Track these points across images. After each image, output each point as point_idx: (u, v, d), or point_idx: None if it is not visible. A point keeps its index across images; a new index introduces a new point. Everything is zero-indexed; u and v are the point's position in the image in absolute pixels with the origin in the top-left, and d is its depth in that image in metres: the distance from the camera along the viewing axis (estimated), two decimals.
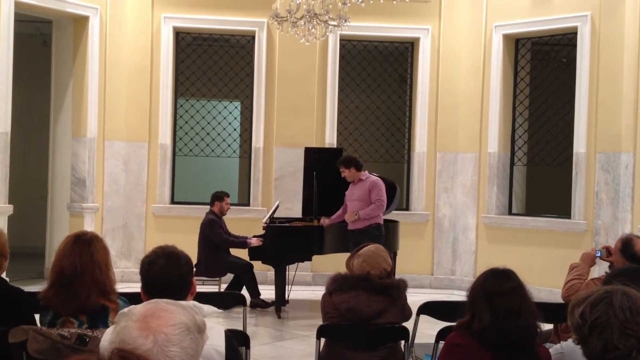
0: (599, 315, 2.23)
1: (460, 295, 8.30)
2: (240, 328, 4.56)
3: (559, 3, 8.87)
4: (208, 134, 10.12)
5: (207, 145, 10.10)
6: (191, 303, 2.63)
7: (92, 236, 3.34)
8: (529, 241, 9.02)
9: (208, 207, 8.10)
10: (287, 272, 7.70)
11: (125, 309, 1.75)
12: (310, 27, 7.30)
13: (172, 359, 1.62)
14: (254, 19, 9.53)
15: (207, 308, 2.64)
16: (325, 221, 7.69)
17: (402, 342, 3.99)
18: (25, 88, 10.69)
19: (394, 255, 7.83)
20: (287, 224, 8.02)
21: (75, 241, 3.27)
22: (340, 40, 9.66)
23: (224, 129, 10.23)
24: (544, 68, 9.88)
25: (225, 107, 10.33)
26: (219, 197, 8.03)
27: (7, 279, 3.70)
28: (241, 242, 7.88)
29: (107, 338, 2.12)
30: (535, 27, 9.11)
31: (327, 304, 3.98)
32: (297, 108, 9.57)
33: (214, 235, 7.82)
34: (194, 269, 7.91)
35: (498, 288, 2.90)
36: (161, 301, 1.76)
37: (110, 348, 1.61)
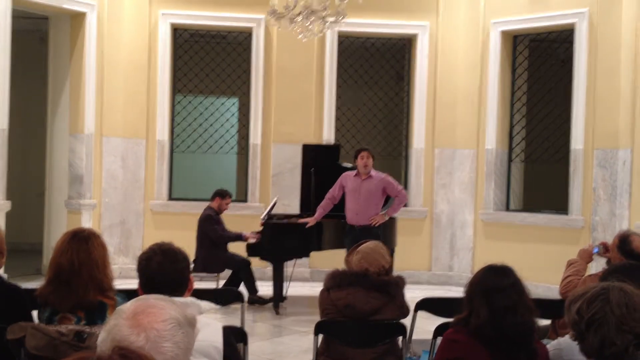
0: (596, 312, 2.23)
1: (457, 292, 8.30)
2: (238, 324, 4.56)
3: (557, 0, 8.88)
4: (206, 130, 10.11)
5: (205, 141, 10.09)
6: (189, 299, 2.64)
7: (90, 233, 3.34)
8: (527, 237, 9.03)
9: (205, 203, 8.11)
10: (285, 269, 7.70)
11: (121, 306, 1.75)
12: (307, 24, 7.28)
13: (164, 355, 1.62)
14: (252, 15, 9.52)
15: (205, 304, 2.65)
16: (310, 221, 7.57)
17: (400, 338, 4.00)
18: (23, 85, 10.65)
19: (391, 252, 7.83)
20: (285, 221, 8.02)
21: (72, 238, 3.27)
22: (338, 36, 9.65)
23: (222, 125, 10.23)
24: (541, 65, 9.88)
25: (222, 104, 10.33)
26: (221, 194, 8.02)
27: (5, 276, 3.70)
28: (236, 236, 7.89)
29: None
30: (533, 23, 9.12)
31: (325, 300, 3.98)
32: (294, 104, 9.56)
33: (209, 230, 7.82)
34: (192, 265, 7.93)
35: (496, 284, 2.90)
36: (150, 297, 1.76)
37: (103, 346, 1.60)
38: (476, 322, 2.88)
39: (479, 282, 2.96)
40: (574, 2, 8.68)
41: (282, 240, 7.63)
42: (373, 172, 7.43)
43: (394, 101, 10.56)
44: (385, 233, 7.58)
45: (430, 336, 3.90)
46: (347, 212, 7.48)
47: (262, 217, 7.92)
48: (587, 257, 4.59)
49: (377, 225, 7.35)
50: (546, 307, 3.89)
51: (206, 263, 7.77)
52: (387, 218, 7.43)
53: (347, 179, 7.52)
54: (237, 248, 8.04)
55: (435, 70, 9.76)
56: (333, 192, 7.55)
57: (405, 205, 9.65)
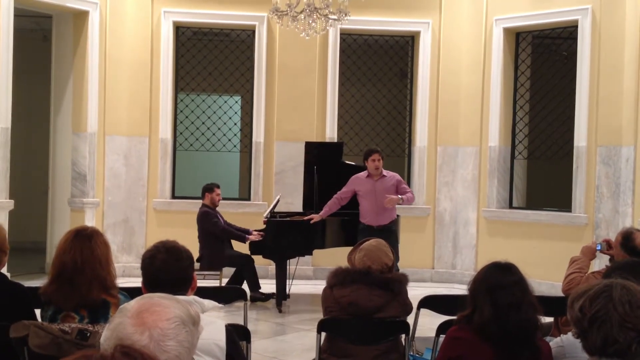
0: (599, 309, 2.23)
1: (460, 289, 8.30)
2: (241, 322, 4.57)
3: None
4: (208, 128, 10.12)
5: (208, 139, 10.09)
6: (192, 298, 2.64)
7: (93, 231, 3.35)
8: (530, 235, 9.03)
9: None
10: (288, 266, 7.70)
11: (125, 304, 1.75)
12: (310, 21, 7.29)
13: (168, 353, 1.62)
14: (254, 13, 9.52)
15: (208, 303, 2.65)
16: (314, 218, 7.59)
17: (403, 336, 3.99)
18: (26, 83, 10.68)
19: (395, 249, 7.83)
20: (288, 218, 8.02)
21: (75, 236, 3.27)
22: (340, 34, 9.64)
23: (225, 123, 10.23)
24: (544, 61, 9.87)
25: (225, 102, 10.33)
26: (208, 188, 8.06)
27: (8, 275, 3.71)
28: (239, 236, 7.89)
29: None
30: (536, 20, 9.10)
31: (328, 298, 3.98)
32: (297, 102, 9.56)
33: (211, 226, 7.83)
34: (197, 264, 7.93)
35: (499, 282, 2.90)
36: (155, 295, 1.76)
37: (107, 345, 1.61)
38: (479, 319, 2.88)
39: (482, 279, 2.96)
40: None
41: (285, 238, 7.63)
42: (384, 171, 7.47)
43: (396, 99, 10.55)
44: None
45: (433, 334, 3.90)
46: (366, 215, 7.41)
47: (265, 215, 7.92)
48: (590, 254, 4.58)
49: (390, 205, 7.28)
50: (549, 304, 3.89)
51: (211, 259, 7.79)
52: (400, 202, 7.32)
53: (359, 182, 7.48)
54: (240, 246, 8.04)
55: (438, 67, 9.75)
56: (342, 194, 7.53)
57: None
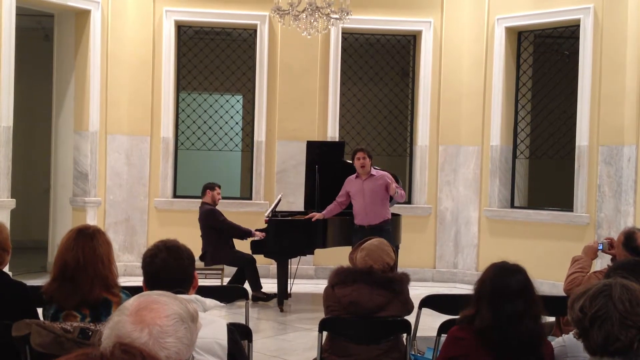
0: (599, 308, 2.23)
1: (462, 289, 8.31)
2: (243, 321, 4.57)
3: None
4: (210, 127, 10.12)
5: (209, 139, 10.10)
6: (193, 296, 2.64)
7: (95, 230, 3.35)
8: (531, 234, 9.02)
9: None
10: (289, 266, 7.70)
11: (124, 303, 1.76)
12: (312, 20, 7.29)
13: (168, 350, 1.63)
14: (256, 12, 9.52)
15: (210, 302, 2.65)
16: (316, 216, 7.59)
17: (404, 335, 3.99)
18: (27, 82, 10.69)
19: (396, 249, 7.83)
20: (290, 218, 8.02)
21: (77, 235, 3.27)
22: (342, 33, 9.64)
23: (226, 122, 10.23)
24: (546, 61, 9.86)
25: (227, 101, 10.33)
26: (210, 186, 8.06)
27: (10, 273, 3.71)
28: (246, 231, 7.89)
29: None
30: (538, 19, 9.09)
31: (329, 297, 3.98)
32: (299, 101, 9.56)
33: (218, 223, 7.84)
34: (201, 260, 7.92)
35: (504, 288, 2.85)
36: (153, 293, 1.77)
37: (107, 343, 1.61)
38: (480, 324, 2.86)
39: (488, 283, 2.90)
40: None
41: (286, 237, 7.63)
42: (374, 171, 7.42)
43: (398, 98, 10.55)
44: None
45: (434, 333, 3.90)
46: (357, 215, 7.42)
47: (266, 214, 7.92)
48: (592, 253, 4.58)
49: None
50: (551, 304, 3.88)
51: (215, 254, 7.81)
52: (396, 193, 7.22)
53: (350, 183, 7.51)
54: (242, 246, 8.04)
55: (440, 66, 9.75)
56: (339, 198, 7.56)
57: (409, 202, 9.72)
